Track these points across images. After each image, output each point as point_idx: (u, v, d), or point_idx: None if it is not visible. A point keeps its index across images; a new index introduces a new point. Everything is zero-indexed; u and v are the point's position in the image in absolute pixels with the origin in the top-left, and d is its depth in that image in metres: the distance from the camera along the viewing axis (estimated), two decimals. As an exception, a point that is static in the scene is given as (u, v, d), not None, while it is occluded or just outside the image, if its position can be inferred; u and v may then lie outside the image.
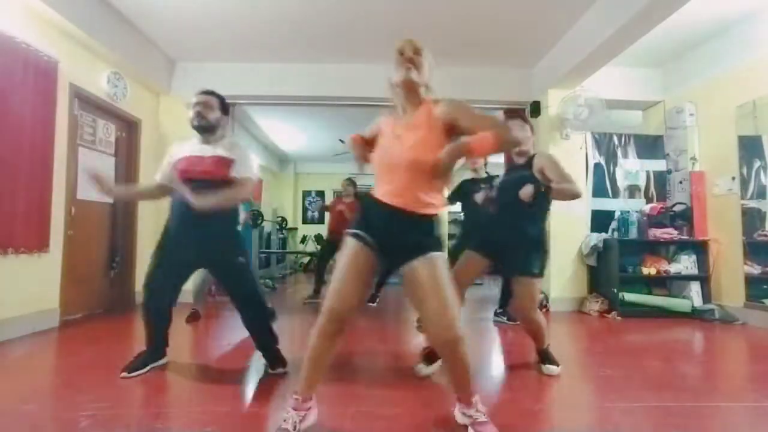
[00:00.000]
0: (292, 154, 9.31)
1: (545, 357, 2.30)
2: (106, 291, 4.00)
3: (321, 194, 10.30)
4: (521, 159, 2.31)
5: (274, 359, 2.24)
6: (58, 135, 3.25)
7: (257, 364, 2.36)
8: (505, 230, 2.23)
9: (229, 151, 2.17)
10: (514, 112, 2.42)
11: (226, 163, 2.12)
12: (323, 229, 5.30)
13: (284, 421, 1.45)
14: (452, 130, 1.46)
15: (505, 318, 3.70)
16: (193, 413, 1.69)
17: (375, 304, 4.50)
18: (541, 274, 2.19)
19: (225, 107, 2.29)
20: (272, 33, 4.02)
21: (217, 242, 2.14)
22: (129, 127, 4.30)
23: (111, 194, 2.30)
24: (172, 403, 1.83)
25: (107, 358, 2.46)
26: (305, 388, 1.49)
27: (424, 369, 2.22)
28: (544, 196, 2.12)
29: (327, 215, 5.24)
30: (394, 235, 1.46)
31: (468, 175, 3.82)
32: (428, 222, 1.48)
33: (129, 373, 2.11)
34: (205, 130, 2.17)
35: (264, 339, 2.27)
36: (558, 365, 2.26)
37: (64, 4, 3.09)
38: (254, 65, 4.63)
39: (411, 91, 1.52)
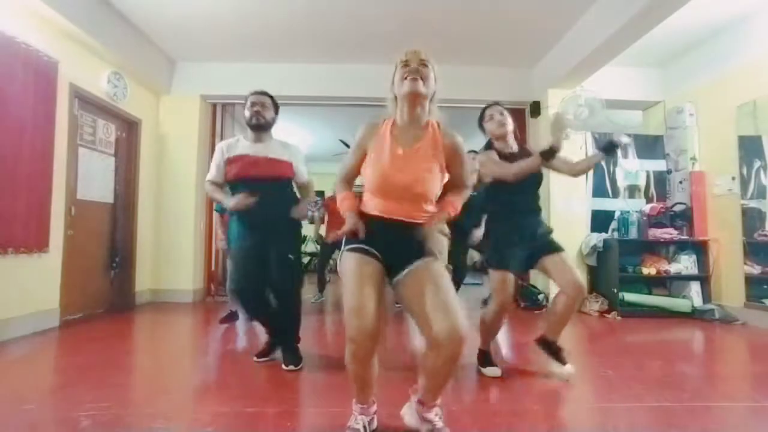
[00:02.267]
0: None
1: (556, 350, 2.21)
2: (106, 291, 4.00)
3: (321, 194, 10.29)
4: (509, 145, 2.31)
5: (291, 356, 2.30)
6: (58, 135, 3.25)
7: (258, 364, 2.36)
8: (522, 229, 2.20)
9: (283, 152, 2.34)
10: (492, 103, 2.40)
11: (282, 164, 2.30)
12: (322, 230, 5.30)
13: (355, 422, 1.46)
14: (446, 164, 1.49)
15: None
16: (193, 413, 1.69)
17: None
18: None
19: (277, 106, 2.44)
20: (272, 33, 4.03)
21: (281, 236, 2.29)
22: (129, 127, 4.30)
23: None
24: (172, 403, 1.83)
25: (107, 358, 2.46)
26: (363, 398, 1.47)
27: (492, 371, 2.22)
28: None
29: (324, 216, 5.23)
30: (394, 244, 1.42)
31: None
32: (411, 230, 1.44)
33: (258, 358, 2.36)
34: (262, 128, 2.33)
35: (290, 334, 2.37)
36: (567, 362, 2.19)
37: (64, 4, 3.09)
38: (254, 65, 4.64)
39: (416, 105, 1.44)
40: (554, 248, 2.18)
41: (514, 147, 2.32)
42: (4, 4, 2.84)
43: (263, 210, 2.17)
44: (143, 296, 4.41)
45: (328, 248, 4.93)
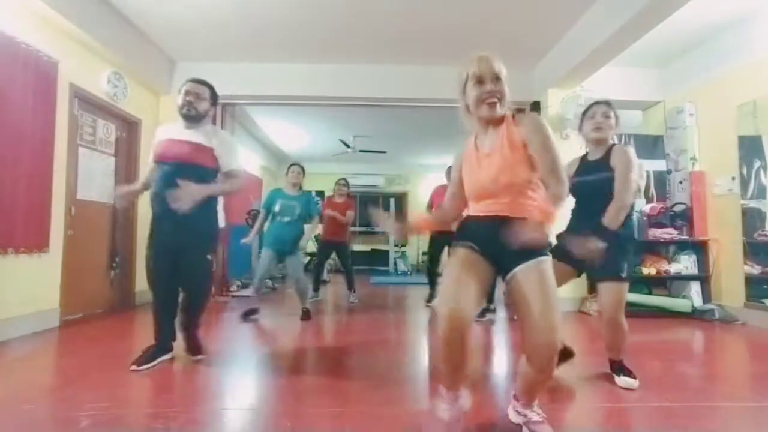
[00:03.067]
0: (292, 154, 9.30)
1: (620, 369, 2.13)
2: (106, 291, 4.00)
3: (321, 194, 10.30)
4: (598, 152, 2.10)
5: (195, 346, 2.35)
6: (58, 135, 3.25)
7: (257, 364, 2.36)
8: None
9: (209, 138, 2.22)
10: (601, 101, 2.17)
11: (203, 150, 2.19)
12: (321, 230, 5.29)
13: (443, 411, 1.48)
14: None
15: (483, 319, 3.75)
16: (194, 413, 1.69)
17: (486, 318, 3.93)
18: (628, 278, 2.04)
19: (215, 97, 2.34)
20: (272, 33, 4.02)
21: (192, 233, 2.19)
22: (129, 127, 4.30)
23: (130, 196, 2.37)
24: (172, 403, 1.83)
25: (107, 358, 2.46)
26: (451, 383, 1.48)
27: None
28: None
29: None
30: (494, 240, 1.37)
31: None
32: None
33: (139, 366, 2.15)
34: (193, 119, 2.23)
35: (193, 321, 2.36)
36: (635, 378, 2.06)
37: (64, 4, 3.09)
38: (254, 65, 4.64)
39: (493, 121, 1.46)
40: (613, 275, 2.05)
41: (598, 154, 2.11)
42: (4, 4, 2.84)
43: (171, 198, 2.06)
44: (143, 296, 4.40)
45: (325, 248, 4.92)
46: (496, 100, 1.41)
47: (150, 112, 4.57)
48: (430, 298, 4.55)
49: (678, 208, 4.28)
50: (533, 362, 1.35)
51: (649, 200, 4.53)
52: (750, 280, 3.70)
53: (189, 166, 2.15)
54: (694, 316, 3.90)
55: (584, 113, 2.17)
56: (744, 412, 1.81)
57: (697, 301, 4.00)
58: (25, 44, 2.92)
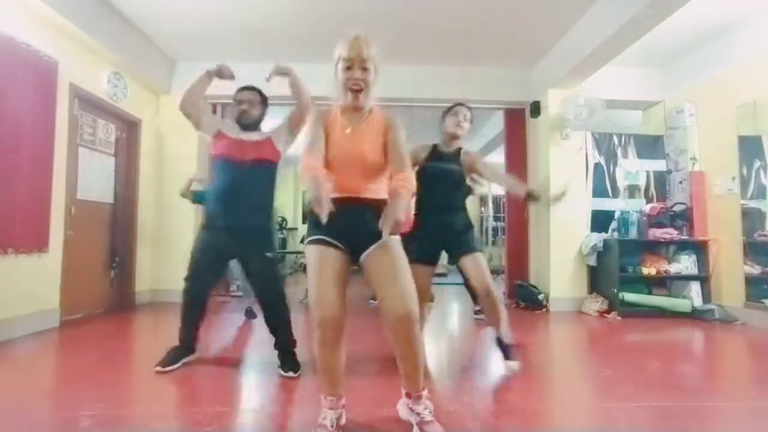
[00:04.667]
0: (292, 154, 9.30)
1: (506, 350, 2.25)
2: (106, 291, 4.00)
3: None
4: (451, 146, 2.40)
5: (289, 361, 2.20)
6: (58, 135, 3.25)
7: (257, 364, 2.36)
8: (441, 223, 2.29)
9: (265, 135, 2.31)
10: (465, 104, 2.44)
11: (266, 146, 2.26)
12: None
13: (323, 418, 1.45)
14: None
15: (483, 317, 3.71)
16: (193, 413, 1.69)
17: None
18: (480, 249, 2.31)
19: (266, 101, 2.40)
20: (272, 33, 4.03)
21: (254, 233, 2.21)
22: (129, 127, 4.30)
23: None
24: (172, 403, 1.83)
25: (107, 358, 2.46)
26: (332, 390, 1.48)
27: None
28: (466, 189, 2.45)
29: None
30: (353, 225, 1.45)
31: None
32: (380, 208, 1.41)
33: (163, 367, 2.15)
34: (251, 127, 2.29)
35: (283, 338, 2.27)
36: (516, 360, 2.22)
37: (64, 4, 3.09)
38: (254, 65, 4.60)
39: (358, 99, 1.52)
40: (471, 249, 2.27)
41: (451, 148, 2.41)
42: (4, 4, 2.84)
43: (241, 199, 2.13)
44: (143, 296, 4.41)
45: None
46: (360, 88, 1.48)
47: (150, 112, 4.57)
48: None
49: (678, 208, 4.29)
50: (397, 334, 1.39)
51: (649, 200, 4.53)
52: (750, 280, 3.70)
53: (259, 166, 2.22)
54: (694, 316, 3.90)
55: (448, 111, 2.42)
56: (744, 412, 1.82)
57: (697, 301, 4.00)
58: (25, 44, 2.92)
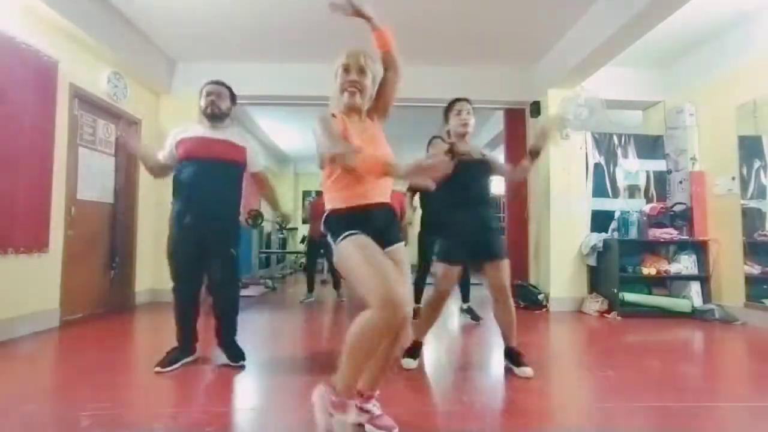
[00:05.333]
0: (292, 154, 9.31)
1: (517, 357, 2.23)
2: (106, 291, 4.00)
3: (321, 194, 10.30)
4: (465, 144, 2.32)
5: (238, 352, 2.32)
6: (58, 135, 3.25)
7: (257, 364, 2.36)
8: (480, 217, 2.27)
9: (240, 139, 2.40)
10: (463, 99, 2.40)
11: (237, 149, 2.35)
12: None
13: (357, 415, 1.45)
14: None
15: (470, 317, 3.74)
16: (193, 413, 1.69)
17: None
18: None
19: (234, 97, 2.47)
20: (272, 33, 4.03)
21: (224, 232, 2.29)
22: (129, 127, 4.30)
23: (138, 151, 2.43)
24: (172, 403, 1.83)
25: (107, 358, 2.46)
26: (354, 385, 1.42)
27: (410, 363, 2.28)
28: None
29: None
30: (379, 229, 1.47)
31: None
32: (392, 210, 1.57)
33: (163, 368, 2.18)
34: (217, 118, 2.35)
35: (232, 330, 2.37)
36: (529, 366, 2.18)
37: (64, 4, 3.09)
38: (254, 65, 4.63)
39: (356, 105, 1.56)
40: (501, 254, 2.24)
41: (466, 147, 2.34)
42: (4, 4, 2.84)
43: (208, 194, 2.19)
44: (143, 296, 4.41)
45: (315, 247, 4.95)
46: (356, 89, 1.52)
47: (150, 112, 4.57)
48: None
49: (678, 208, 4.28)
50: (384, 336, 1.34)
51: (649, 200, 4.53)
52: (750, 280, 3.70)
53: (225, 163, 2.28)
54: (694, 316, 3.90)
55: (449, 109, 2.37)
56: (744, 412, 1.82)
57: (697, 301, 4.00)
58: (25, 44, 2.92)
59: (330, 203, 1.51)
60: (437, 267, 2.33)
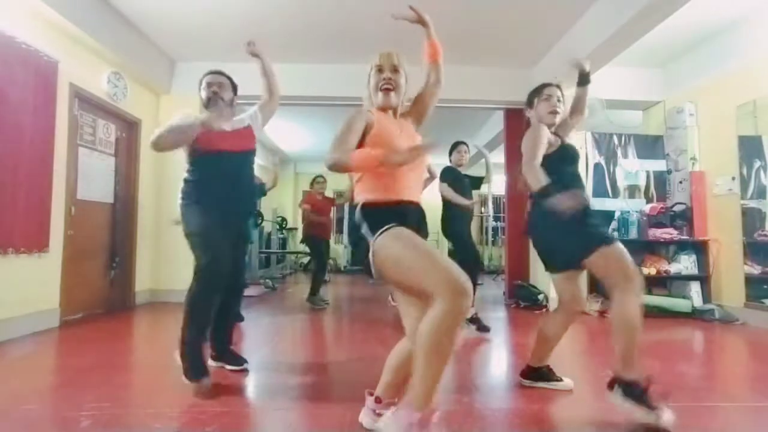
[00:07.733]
0: (292, 154, 9.30)
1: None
2: (106, 291, 4.00)
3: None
4: (552, 126, 2.04)
5: (237, 355, 2.24)
6: (58, 135, 3.25)
7: (256, 364, 2.36)
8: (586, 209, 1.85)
9: (244, 120, 2.28)
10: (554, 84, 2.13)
11: (248, 133, 2.24)
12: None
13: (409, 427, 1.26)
14: None
15: (476, 327, 3.19)
16: (193, 413, 1.69)
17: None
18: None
19: (235, 87, 2.38)
20: (272, 33, 4.02)
21: (245, 223, 2.26)
22: (129, 127, 4.30)
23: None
24: (172, 403, 1.83)
25: (107, 358, 2.46)
26: (430, 400, 1.29)
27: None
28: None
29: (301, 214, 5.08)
30: (414, 227, 1.40)
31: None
32: (422, 210, 1.54)
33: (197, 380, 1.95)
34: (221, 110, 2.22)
35: (229, 330, 2.28)
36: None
37: (64, 4, 3.09)
38: (254, 65, 4.62)
39: (390, 107, 1.55)
40: (611, 238, 1.90)
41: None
42: (4, 4, 2.84)
43: (231, 185, 2.08)
44: (143, 296, 4.41)
45: (317, 245, 4.72)
46: (390, 87, 1.52)
47: (150, 112, 4.57)
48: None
49: (678, 208, 4.28)
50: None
51: (649, 200, 4.53)
52: (750, 280, 3.70)
53: (246, 153, 2.21)
54: (694, 316, 3.90)
55: (537, 93, 2.09)
56: (744, 412, 1.81)
57: (697, 301, 4.00)
58: (25, 44, 2.92)
59: (365, 194, 1.43)
60: (556, 282, 2.05)
